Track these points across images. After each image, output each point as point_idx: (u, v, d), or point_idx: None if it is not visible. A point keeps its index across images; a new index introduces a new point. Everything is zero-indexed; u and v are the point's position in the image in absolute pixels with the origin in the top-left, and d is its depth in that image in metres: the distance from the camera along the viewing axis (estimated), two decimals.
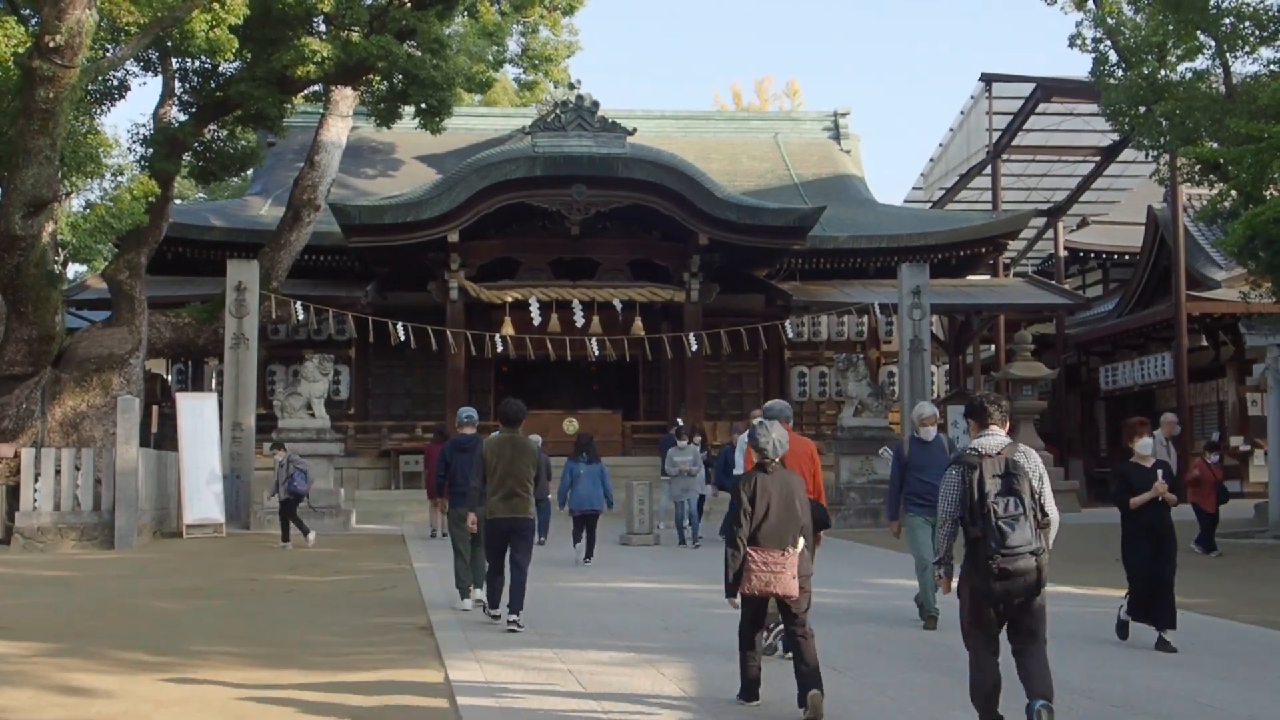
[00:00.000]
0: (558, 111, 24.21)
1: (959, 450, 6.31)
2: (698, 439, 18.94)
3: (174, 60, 21.30)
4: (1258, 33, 17.43)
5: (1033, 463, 5.95)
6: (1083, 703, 6.80)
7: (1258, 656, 8.35)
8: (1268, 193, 16.19)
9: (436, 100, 22.21)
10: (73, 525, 16.56)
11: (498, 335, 23.90)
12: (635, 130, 24.51)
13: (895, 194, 73.70)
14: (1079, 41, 19.31)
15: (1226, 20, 17.38)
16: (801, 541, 6.52)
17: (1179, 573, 13.04)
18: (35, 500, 16.51)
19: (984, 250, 29.07)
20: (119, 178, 19.74)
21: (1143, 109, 18.26)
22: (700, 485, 17.45)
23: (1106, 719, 6.58)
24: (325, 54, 20.18)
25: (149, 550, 16.46)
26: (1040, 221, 33.27)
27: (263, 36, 20.17)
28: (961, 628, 5.98)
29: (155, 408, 24.59)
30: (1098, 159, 31.34)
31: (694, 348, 24.17)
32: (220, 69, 21.62)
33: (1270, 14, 17.25)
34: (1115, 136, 27.64)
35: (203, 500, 18.71)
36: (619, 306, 24.54)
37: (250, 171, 29.52)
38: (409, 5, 21.65)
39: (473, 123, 32.63)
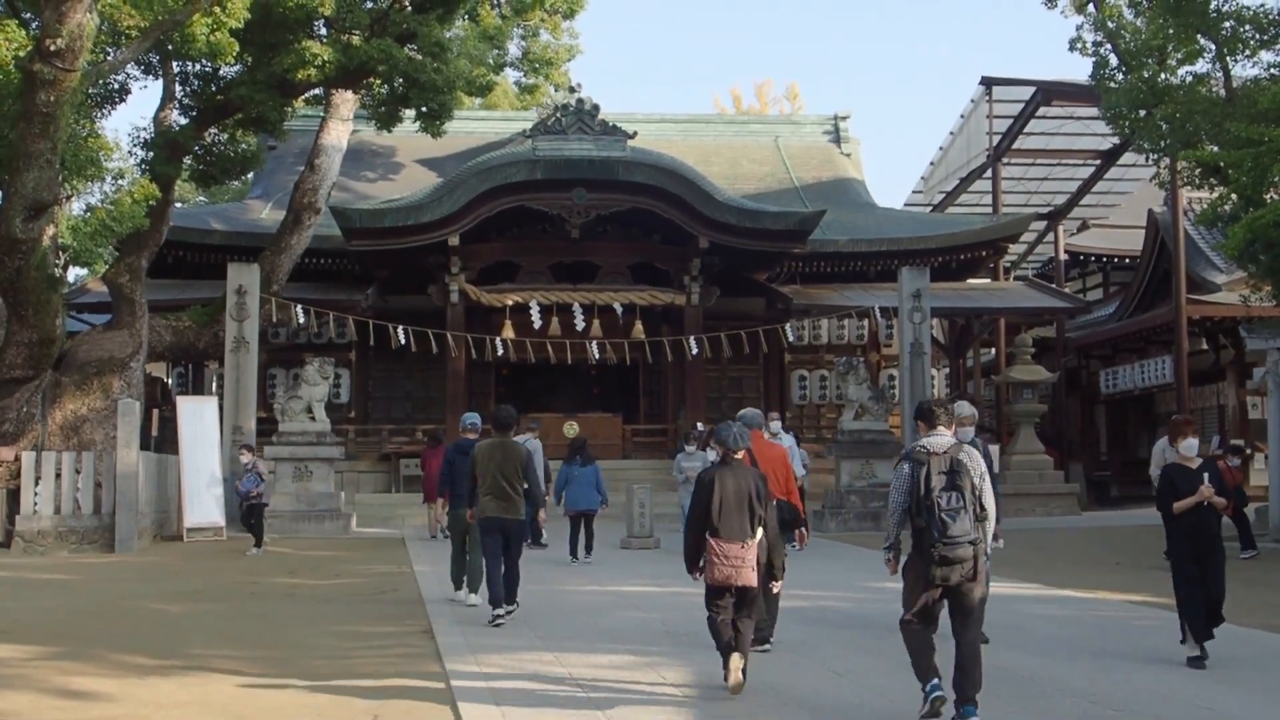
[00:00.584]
0: (558, 115, 24.22)
1: (909, 448, 6.83)
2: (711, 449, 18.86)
3: (175, 64, 21.32)
4: (1258, 36, 17.43)
5: (975, 462, 6.50)
6: (1084, 705, 6.79)
7: (1260, 661, 8.34)
8: (1268, 196, 16.17)
9: (437, 104, 22.23)
10: (73, 529, 16.55)
11: (498, 339, 23.90)
12: (636, 134, 24.52)
13: (895, 197, 73.48)
14: (1079, 45, 19.32)
15: (1227, 24, 17.38)
16: (760, 532, 7.04)
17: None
18: (35, 504, 16.51)
19: (984, 254, 29.08)
20: (119, 181, 19.82)
21: (1143, 112, 18.25)
22: None
23: None
24: (326, 57, 20.19)
25: (149, 553, 16.46)
26: (1040, 225, 33.28)
27: (263, 40, 20.17)
28: (903, 602, 6.55)
29: (155, 411, 24.55)
30: (1098, 162, 31.34)
31: (694, 351, 24.16)
32: (221, 72, 21.64)
33: (1270, 17, 17.25)
34: (1115, 140, 27.66)
35: (203, 504, 18.71)
36: (619, 310, 24.53)
37: (251, 175, 29.50)
38: (410, 9, 21.66)
39: (473, 126, 32.65)
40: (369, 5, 21.66)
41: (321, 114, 24.52)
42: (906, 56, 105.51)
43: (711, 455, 16.75)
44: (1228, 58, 17.78)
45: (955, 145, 34.35)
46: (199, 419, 19.41)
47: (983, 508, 6.45)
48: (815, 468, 21.31)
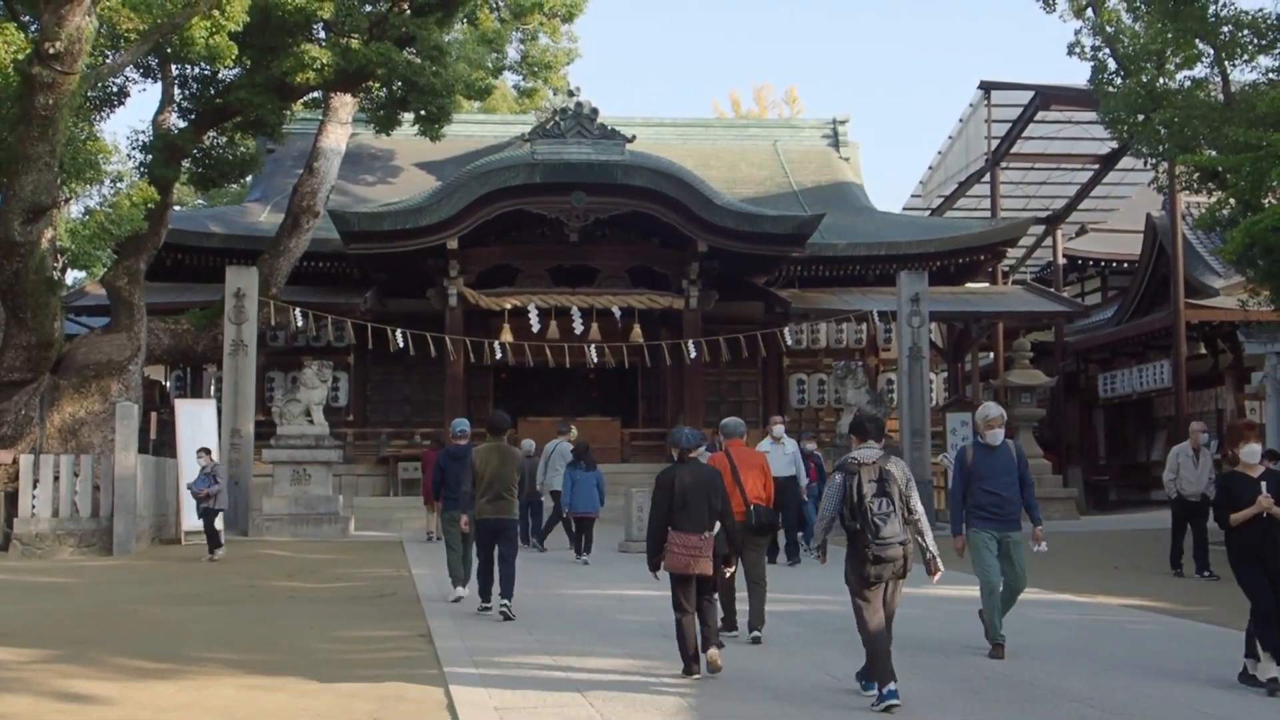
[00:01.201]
0: (557, 118, 24.22)
1: (841, 460, 7.39)
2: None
3: (173, 67, 21.33)
4: (1256, 41, 17.44)
5: (900, 470, 7.18)
6: (1083, 710, 6.79)
7: None
8: (1266, 200, 16.19)
9: (436, 107, 22.23)
10: (71, 532, 16.52)
11: (497, 342, 23.88)
12: (634, 137, 24.54)
13: (894, 201, 73.90)
14: (1078, 49, 19.33)
15: (1225, 28, 17.39)
16: (717, 525, 7.70)
17: (1179, 582, 13.04)
18: (34, 507, 16.48)
19: (983, 258, 29.11)
20: (118, 184, 19.81)
21: (1141, 117, 18.26)
22: None
23: None
24: (325, 61, 20.20)
25: (147, 557, 16.44)
26: (1039, 229, 33.31)
27: (262, 43, 20.18)
28: (851, 593, 7.20)
29: (154, 414, 24.57)
30: (1096, 167, 31.37)
31: (693, 355, 24.15)
32: (220, 75, 21.64)
33: (1269, 22, 17.26)
34: (1114, 144, 27.69)
35: None
36: (618, 313, 24.53)
37: (249, 178, 29.53)
38: (409, 12, 21.67)
39: (472, 129, 32.68)
40: (368, 9, 21.67)
41: (320, 117, 24.53)
42: (905, 60, 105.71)
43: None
44: (1226, 62, 17.80)
45: (954, 149, 34.38)
46: (197, 422, 19.39)
47: (910, 510, 7.11)
48: None
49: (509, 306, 24.55)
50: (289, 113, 23.26)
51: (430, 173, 30.06)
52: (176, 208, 27.14)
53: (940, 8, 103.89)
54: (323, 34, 21.70)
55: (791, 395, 28.77)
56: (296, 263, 23.70)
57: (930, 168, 36.87)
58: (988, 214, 31.50)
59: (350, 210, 24.28)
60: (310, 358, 23.27)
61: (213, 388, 25.53)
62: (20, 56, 15.22)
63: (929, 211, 35.86)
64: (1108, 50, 19.05)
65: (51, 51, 14.36)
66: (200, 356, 23.97)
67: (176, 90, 21.91)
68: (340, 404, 26.97)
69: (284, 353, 27.05)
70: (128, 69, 19.84)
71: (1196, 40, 17.57)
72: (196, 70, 21.68)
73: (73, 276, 34.05)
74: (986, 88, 30.75)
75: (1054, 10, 20.00)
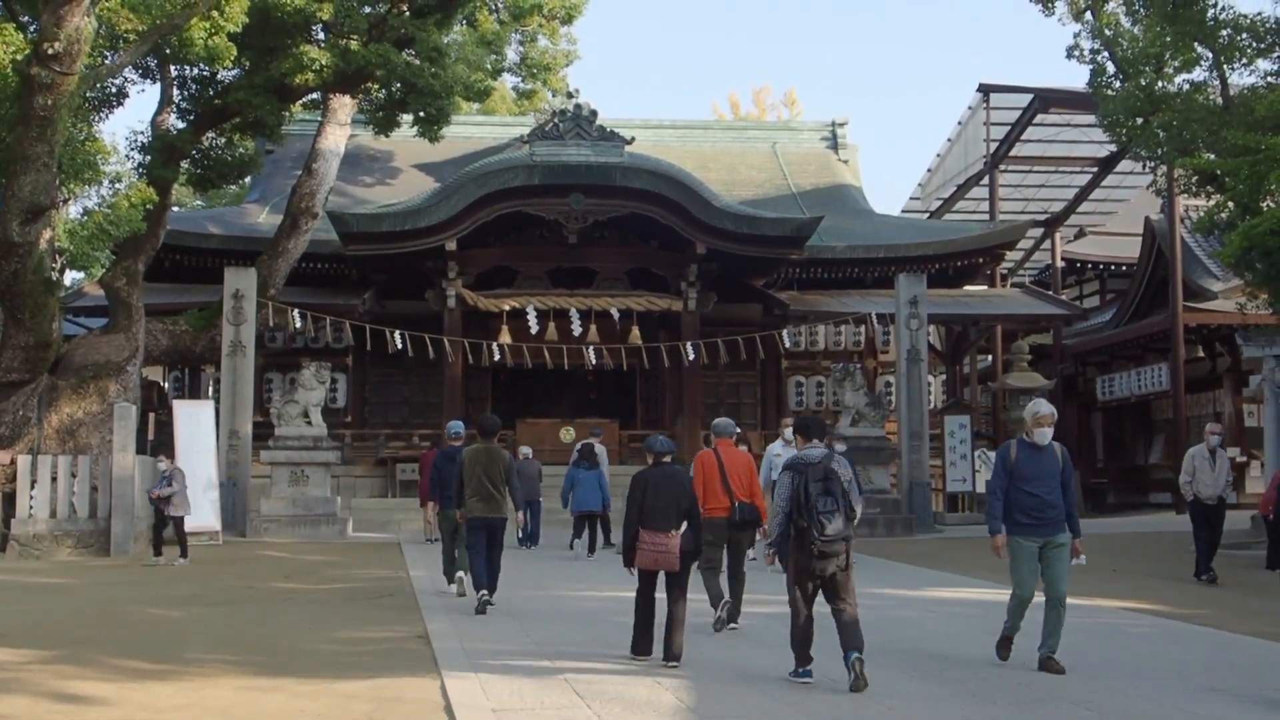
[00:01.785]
0: (556, 120, 24.23)
1: (790, 459, 7.76)
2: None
3: (172, 68, 21.33)
4: (1255, 45, 17.47)
5: (844, 470, 7.57)
6: (1081, 713, 6.79)
7: (1253, 669, 8.35)
8: (1264, 204, 16.20)
9: (435, 108, 22.24)
10: (69, 532, 16.52)
11: (495, 344, 23.89)
12: (633, 139, 24.55)
13: (893, 204, 73.92)
14: (1077, 52, 19.35)
15: (1224, 32, 17.42)
16: (684, 525, 8.17)
17: (1178, 583, 13.06)
18: (31, 507, 16.48)
19: (981, 260, 29.11)
20: (117, 185, 19.81)
21: (1140, 120, 18.29)
22: None
23: None
24: (324, 62, 20.20)
25: (145, 557, 16.42)
26: (1037, 232, 33.34)
27: (261, 44, 20.18)
28: (788, 589, 7.60)
29: (152, 415, 24.54)
30: (1095, 170, 31.40)
31: (691, 357, 24.16)
32: (219, 76, 21.65)
33: (1267, 26, 17.29)
34: (1113, 147, 27.71)
35: (199, 508, 18.56)
36: (616, 315, 24.53)
37: (248, 179, 29.52)
38: (408, 14, 21.67)
39: (471, 131, 32.68)
40: (367, 10, 21.67)
41: (319, 118, 24.53)
42: (904, 63, 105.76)
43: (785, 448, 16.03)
44: (1225, 66, 17.82)
45: (953, 152, 34.42)
46: (195, 423, 19.39)
47: (852, 509, 7.53)
48: None
49: (507, 308, 24.56)
50: (288, 114, 23.25)
51: (429, 174, 30.07)
52: (175, 209, 27.13)
53: (939, 10, 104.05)
54: (322, 35, 21.71)
55: (790, 397, 28.77)
56: (295, 264, 23.70)
57: (929, 170, 36.92)
58: (986, 216, 31.52)
59: (349, 211, 24.29)
60: (308, 359, 23.27)
61: (211, 389, 25.53)
62: (19, 57, 15.22)
63: (927, 214, 35.89)
64: (1107, 53, 19.08)
65: (50, 52, 14.36)
66: (198, 357, 23.97)
67: (175, 91, 21.91)
68: (338, 405, 26.97)
69: (282, 354, 27.05)
70: (127, 70, 19.84)
71: (1195, 44, 17.60)
72: (195, 71, 21.69)
73: (71, 277, 34.08)
74: (985, 90, 30.78)
75: (1053, 13, 20.05)
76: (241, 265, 22.18)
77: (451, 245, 23.83)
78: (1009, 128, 30.51)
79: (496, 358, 23.98)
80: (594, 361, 24.09)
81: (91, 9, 15.16)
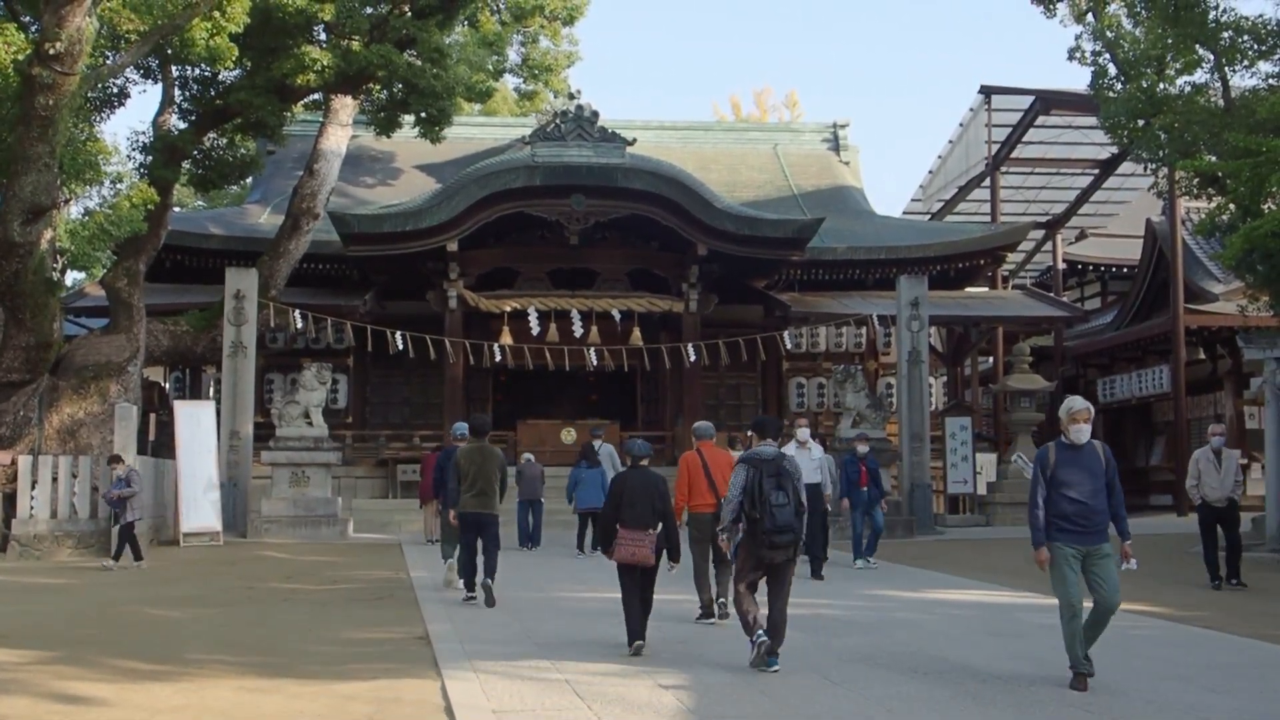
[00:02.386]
0: (557, 121, 24.23)
1: (745, 454, 8.31)
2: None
3: (174, 68, 21.34)
4: (1256, 47, 17.46)
5: (793, 466, 8.06)
6: (1080, 715, 6.78)
7: (1254, 670, 8.34)
8: (1265, 206, 16.19)
9: (436, 109, 22.25)
10: (69, 533, 16.53)
11: (496, 345, 23.89)
12: (635, 140, 24.55)
13: (894, 206, 73.72)
14: (1078, 54, 19.35)
15: (1225, 34, 17.41)
16: (661, 524, 8.73)
17: (1178, 586, 13.06)
18: (32, 508, 16.49)
19: (982, 262, 29.13)
20: (118, 185, 19.82)
21: (1141, 122, 18.28)
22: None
23: None
24: (325, 63, 20.21)
25: (146, 558, 16.42)
26: (1039, 234, 33.33)
27: (263, 45, 20.20)
28: (734, 575, 8.33)
29: (153, 415, 24.56)
30: (1096, 172, 31.40)
31: (692, 358, 24.16)
32: (220, 77, 21.66)
33: (1269, 28, 17.28)
34: (1114, 149, 27.72)
35: (200, 509, 18.67)
36: (617, 316, 24.53)
37: (249, 179, 29.55)
38: (409, 14, 21.68)
39: (472, 132, 32.69)
40: (369, 11, 21.68)
41: (320, 119, 24.54)
42: (906, 65, 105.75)
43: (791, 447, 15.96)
44: (1226, 68, 17.82)
45: (954, 154, 34.42)
46: (196, 424, 19.39)
47: (801, 503, 7.93)
48: None
49: (508, 309, 24.55)
50: (289, 114, 23.28)
51: (430, 175, 30.08)
52: (176, 209, 27.14)
53: (941, 12, 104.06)
54: (323, 36, 21.73)
55: (791, 399, 28.78)
56: (296, 264, 23.72)
57: (930, 172, 36.93)
58: (988, 218, 31.52)
59: (350, 212, 24.29)
60: (309, 360, 23.27)
61: (212, 389, 25.52)
62: (20, 57, 15.23)
63: (929, 215, 35.90)
64: (1108, 55, 19.07)
65: (52, 52, 14.37)
66: (199, 358, 23.97)
67: (177, 91, 21.93)
68: (339, 406, 26.97)
69: (283, 354, 27.05)
70: (128, 70, 19.87)
71: (1197, 46, 17.59)
72: (197, 71, 21.71)
73: (72, 277, 34.08)
74: (987, 92, 30.79)
75: (1054, 15, 20.04)
76: (242, 266, 22.18)
77: (453, 246, 23.83)
78: (1010, 129, 30.52)
79: (497, 359, 23.98)
80: (595, 363, 24.09)
81: (93, 9, 15.18)
